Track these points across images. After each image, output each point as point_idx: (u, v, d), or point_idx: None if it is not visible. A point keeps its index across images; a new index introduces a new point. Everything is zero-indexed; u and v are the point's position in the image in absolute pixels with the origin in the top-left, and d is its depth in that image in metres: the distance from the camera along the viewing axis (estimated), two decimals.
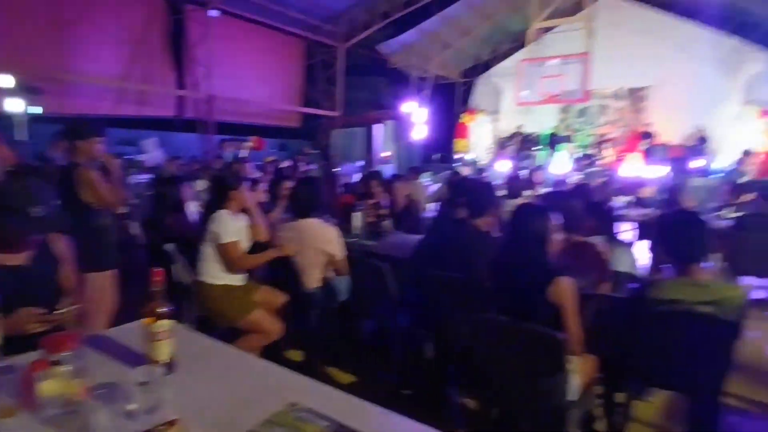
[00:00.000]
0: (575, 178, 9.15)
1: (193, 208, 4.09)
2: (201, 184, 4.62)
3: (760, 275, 4.07)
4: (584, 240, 2.47)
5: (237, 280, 2.75)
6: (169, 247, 3.06)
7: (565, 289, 1.86)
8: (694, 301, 1.87)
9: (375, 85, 18.92)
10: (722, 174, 9.28)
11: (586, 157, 11.79)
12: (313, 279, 2.84)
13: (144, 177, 7.28)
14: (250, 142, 11.80)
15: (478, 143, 15.10)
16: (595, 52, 10.45)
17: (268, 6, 11.57)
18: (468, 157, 14.42)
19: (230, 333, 2.67)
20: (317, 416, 1.17)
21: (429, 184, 8.25)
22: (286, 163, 9.99)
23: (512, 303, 1.87)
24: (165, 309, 1.34)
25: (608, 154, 12.21)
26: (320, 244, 2.83)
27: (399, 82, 16.70)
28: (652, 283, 2.00)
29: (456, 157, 14.68)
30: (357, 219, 3.56)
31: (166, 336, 1.34)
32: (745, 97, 11.05)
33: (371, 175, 4.02)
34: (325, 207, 4.86)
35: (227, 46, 11.66)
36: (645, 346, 1.98)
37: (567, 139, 13.13)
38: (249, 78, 12.50)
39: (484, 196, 2.40)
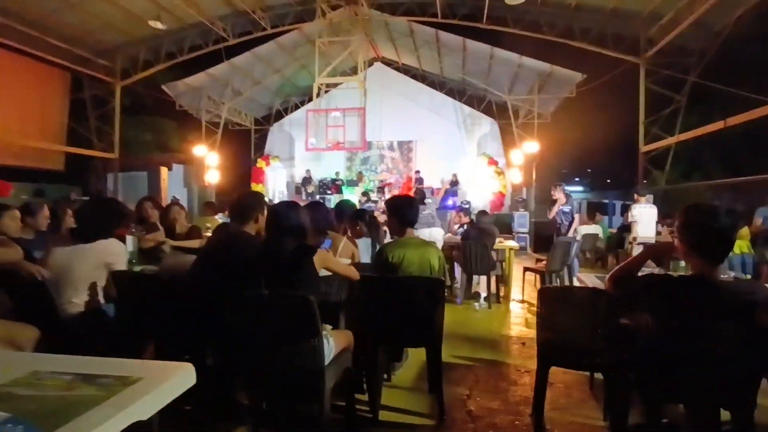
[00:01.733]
0: None
1: None
2: None
3: (479, 273, 5.39)
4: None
5: None
6: None
7: (325, 256, 2.33)
8: (410, 259, 2.56)
9: (162, 126, 17.71)
10: (466, 207, 11.64)
11: (365, 196, 13.19)
12: (76, 303, 2.59)
13: None
14: None
15: (275, 188, 15.49)
16: (372, 109, 12.20)
17: (17, 27, 9.97)
18: (265, 201, 14.62)
19: None
20: (60, 374, 1.18)
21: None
22: None
23: (280, 281, 2.15)
24: None
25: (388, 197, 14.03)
26: (102, 257, 2.61)
27: (189, 125, 16.05)
28: (386, 245, 2.67)
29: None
30: (131, 243, 3.36)
31: None
32: (478, 150, 14.38)
33: (145, 198, 3.87)
34: None
35: None
36: (383, 313, 2.51)
37: (355, 183, 14.66)
38: None
39: (244, 204, 2.61)
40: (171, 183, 13.95)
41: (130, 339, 2.88)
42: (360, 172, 15.08)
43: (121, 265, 2.74)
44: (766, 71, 10.49)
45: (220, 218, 7.68)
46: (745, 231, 6.39)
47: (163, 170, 13.88)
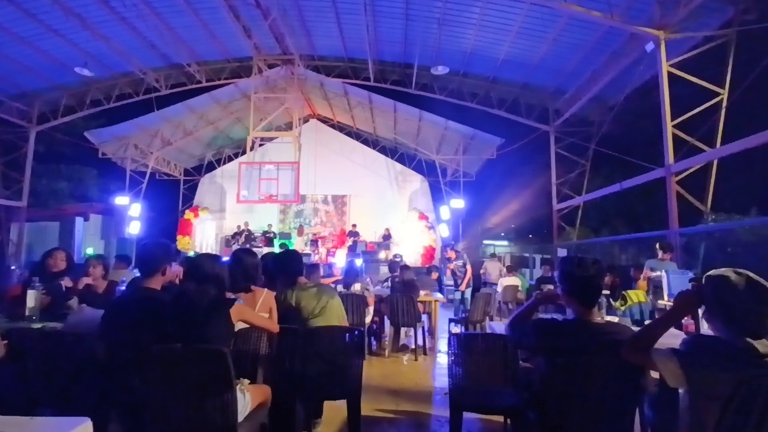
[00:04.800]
0: None
1: None
2: None
3: (406, 325, 5.51)
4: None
5: None
6: None
7: (242, 308, 2.31)
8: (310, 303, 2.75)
9: (80, 175, 16.70)
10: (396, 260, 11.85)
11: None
12: None
13: None
14: None
15: (203, 240, 14.93)
16: (307, 164, 12.45)
17: None
18: (191, 253, 13.99)
19: None
20: None
21: None
22: None
23: (194, 334, 2.10)
24: None
25: (322, 251, 13.98)
26: None
27: (111, 174, 15.33)
28: (281, 291, 2.78)
29: (180, 251, 14.03)
30: (32, 298, 3.09)
31: None
32: (409, 205, 14.96)
33: (54, 250, 3.61)
34: None
35: None
36: (300, 365, 2.52)
37: (288, 236, 14.52)
38: None
39: (151, 257, 2.42)
40: (87, 234, 12.99)
41: (26, 400, 2.64)
42: (301, 225, 15.05)
43: None
44: (650, 141, 12.12)
45: (135, 272, 7.26)
46: (643, 283, 7.14)
47: (78, 221, 12.95)
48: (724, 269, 1.60)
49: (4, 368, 2.58)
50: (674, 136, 7.39)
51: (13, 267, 8.58)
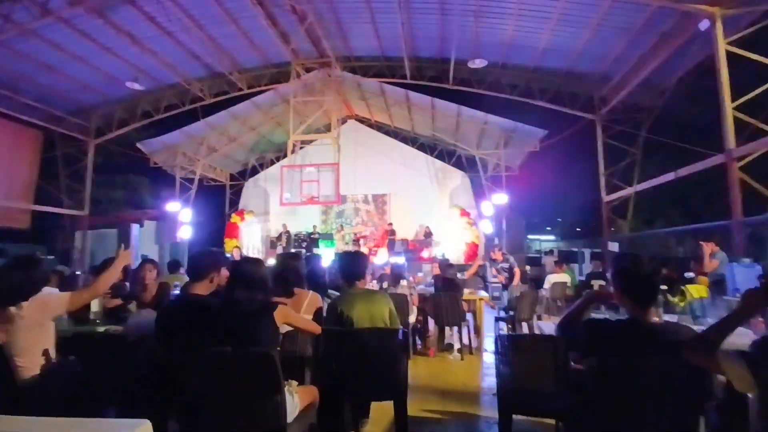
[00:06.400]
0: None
1: None
2: None
3: (450, 324, 5.44)
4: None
5: None
6: None
7: (286, 311, 2.35)
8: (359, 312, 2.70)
9: (134, 183, 17.68)
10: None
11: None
12: (32, 364, 2.50)
13: None
14: None
15: (249, 243, 15.39)
16: (346, 164, 12.57)
17: None
18: (237, 256, 14.47)
19: None
20: None
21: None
22: None
23: (241, 338, 2.16)
24: None
25: (364, 250, 14.11)
26: (42, 310, 2.45)
27: (162, 181, 16.09)
28: (336, 299, 2.75)
29: (227, 256, 14.54)
30: (96, 302, 3.31)
31: None
32: (450, 202, 14.79)
33: (109, 260, 3.82)
34: None
35: None
36: (346, 366, 2.54)
37: (330, 236, 14.72)
38: None
39: (200, 262, 2.53)
40: (142, 240, 13.70)
41: (91, 400, 2.80)
42: (341, 225, 15.27)
43: (60, 309, 2.47)
44: (707, 125, 11.36)
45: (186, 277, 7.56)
46: (703, 279, 6.72)
47: (134, 227, 13.67)
48: None
49: (70, 369, 2.76)
50: (735, 118, 6.90)
51: (78, 272, 9.17)
